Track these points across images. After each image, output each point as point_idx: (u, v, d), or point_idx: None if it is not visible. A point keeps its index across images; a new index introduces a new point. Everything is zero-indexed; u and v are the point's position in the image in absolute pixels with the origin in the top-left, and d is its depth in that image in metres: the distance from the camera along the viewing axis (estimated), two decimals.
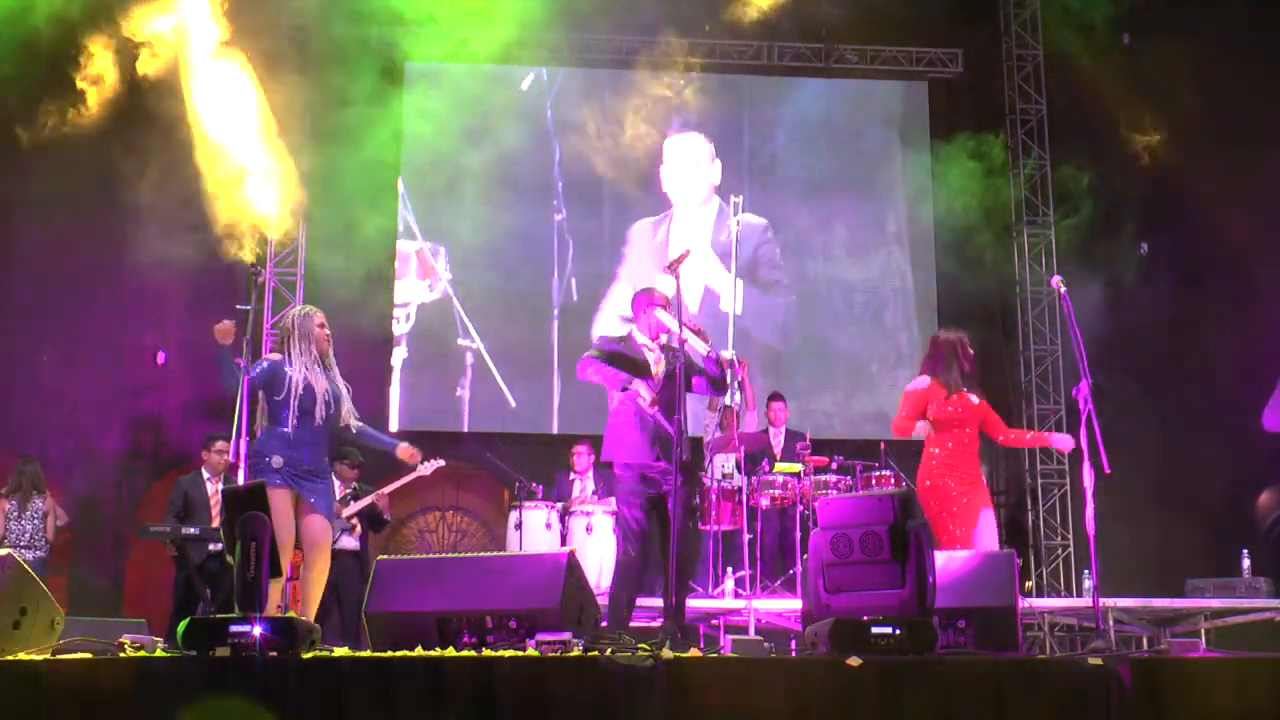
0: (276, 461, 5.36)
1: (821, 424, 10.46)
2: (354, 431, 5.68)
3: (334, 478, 6.68)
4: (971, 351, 6.25)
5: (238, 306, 9.79)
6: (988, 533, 6.04)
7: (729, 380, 6.42)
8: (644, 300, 5.97)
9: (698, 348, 5.76)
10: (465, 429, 8.06)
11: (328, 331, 5.57)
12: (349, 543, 8.18)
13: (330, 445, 5.71)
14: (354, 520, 8.21)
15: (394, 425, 9.63)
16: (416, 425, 9.27)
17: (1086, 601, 7.41)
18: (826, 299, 10.97)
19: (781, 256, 8.90)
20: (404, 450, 5.85)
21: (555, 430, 8.32)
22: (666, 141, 8.25)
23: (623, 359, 5.80)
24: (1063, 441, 6.42)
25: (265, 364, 5.49)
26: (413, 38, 9.82)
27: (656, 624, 6.83)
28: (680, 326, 5.66)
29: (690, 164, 8.31)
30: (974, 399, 6.21)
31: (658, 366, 5.85)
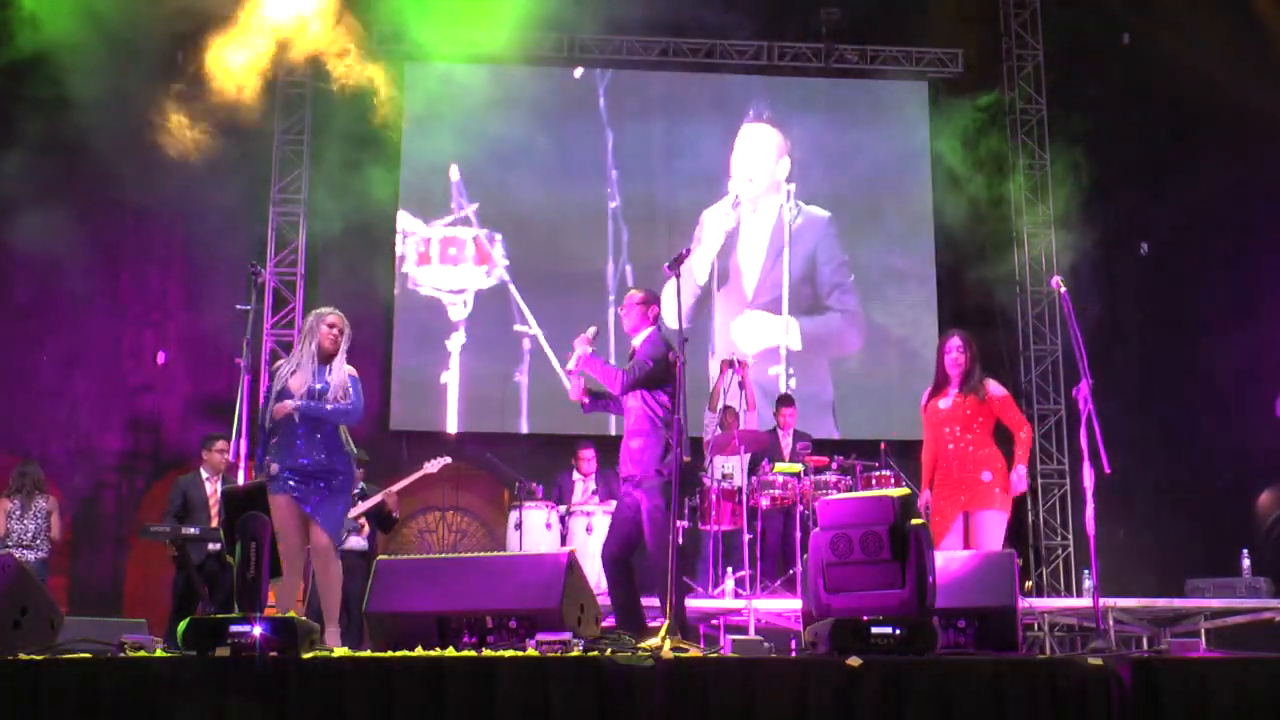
0: (273, 468, 5.38)
1: (832, 420, 10.43)
2: None
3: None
4: (946, 354, 6.08)
5: (238, 306, 9.81)
6: (977, 536, 5.95)
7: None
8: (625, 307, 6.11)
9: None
10: (524, 413, 7.86)
11: (335, 331, 5.57)
12: (357, 543, 8.18)
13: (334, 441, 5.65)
14: (361, 520, 8.20)
15: (452, 411, 8.95)
16: (474, 412, 8.79)
17: (1086, 601, 7.41)
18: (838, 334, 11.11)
19: (841, 249, 8.73)
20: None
21: (612, 427, 8.34)
22: (740, 130, 8.29)
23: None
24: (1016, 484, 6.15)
25: (277, 389, 5.52)
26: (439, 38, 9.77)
27: (657, 624, 6.83)
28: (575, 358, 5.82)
29: (758, 152, 8.26)
30: (946, 402, 6.07)
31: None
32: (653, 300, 6.02)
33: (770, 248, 9.01)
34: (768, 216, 8.54)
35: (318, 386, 5.50)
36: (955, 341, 6.12)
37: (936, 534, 5.84)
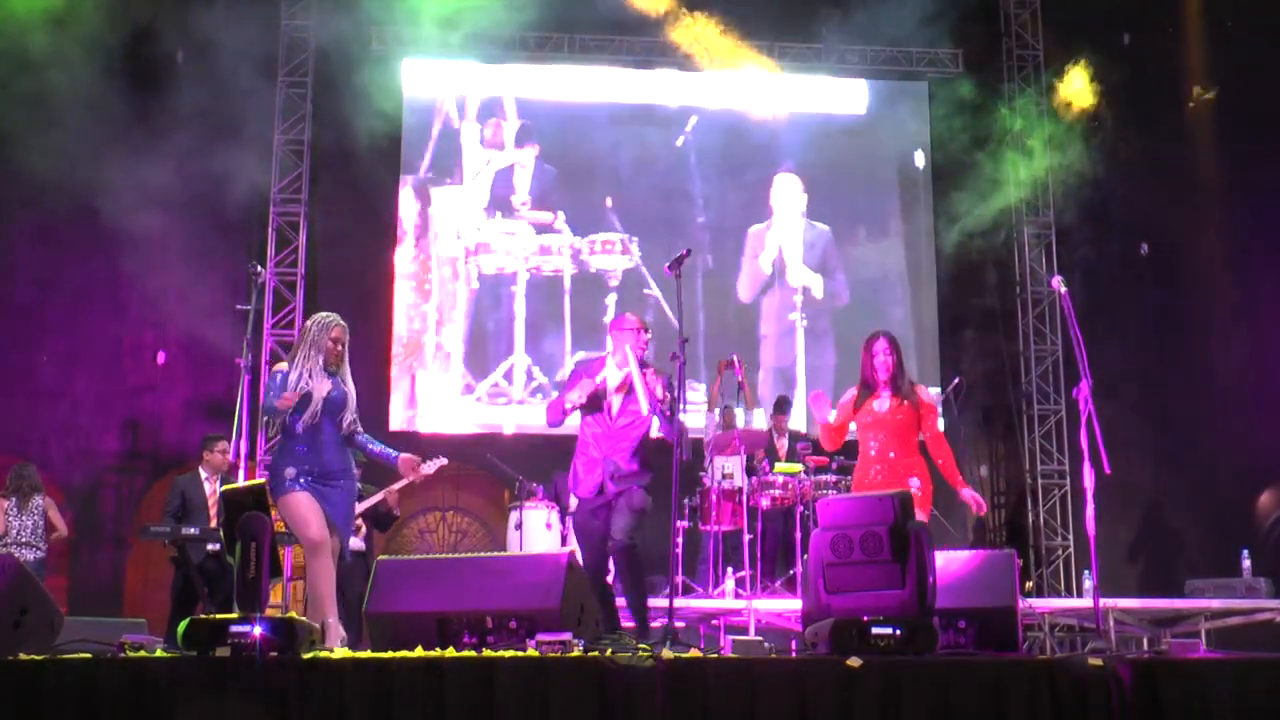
0: (289, 472, 5.34)
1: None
2: (353, 440, 5.68)
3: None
4: (873, 356, 5.96)
5: (238, 306, 9.82)
6: None
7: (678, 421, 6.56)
8: (617, 326, 6.07)
9: (640, 399, 5.82)
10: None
11: (340, 347, 5.54)
12: (354, 543, 8.17)
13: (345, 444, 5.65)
14: (358, 521, 8.21)
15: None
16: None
17: (1086, 602, 7.41)
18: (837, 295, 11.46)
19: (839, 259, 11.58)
20: (405, 461, 5.83)
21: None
22: (775, 176, 11.54)
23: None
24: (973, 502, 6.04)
25: (276, 381, 5.45)
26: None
27: (657, 624, 6.83)
28: (636, 369, 5.82)
29: (789, 192, 11.58)
30: (881, 405, 5.93)
31: (619, 393, 5.90)
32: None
33: (797, 253, 11.59)
34: (795, 233, 11.58)
35: (335, 394, 5.49)
36: (883, 343, 5.95)
37: None
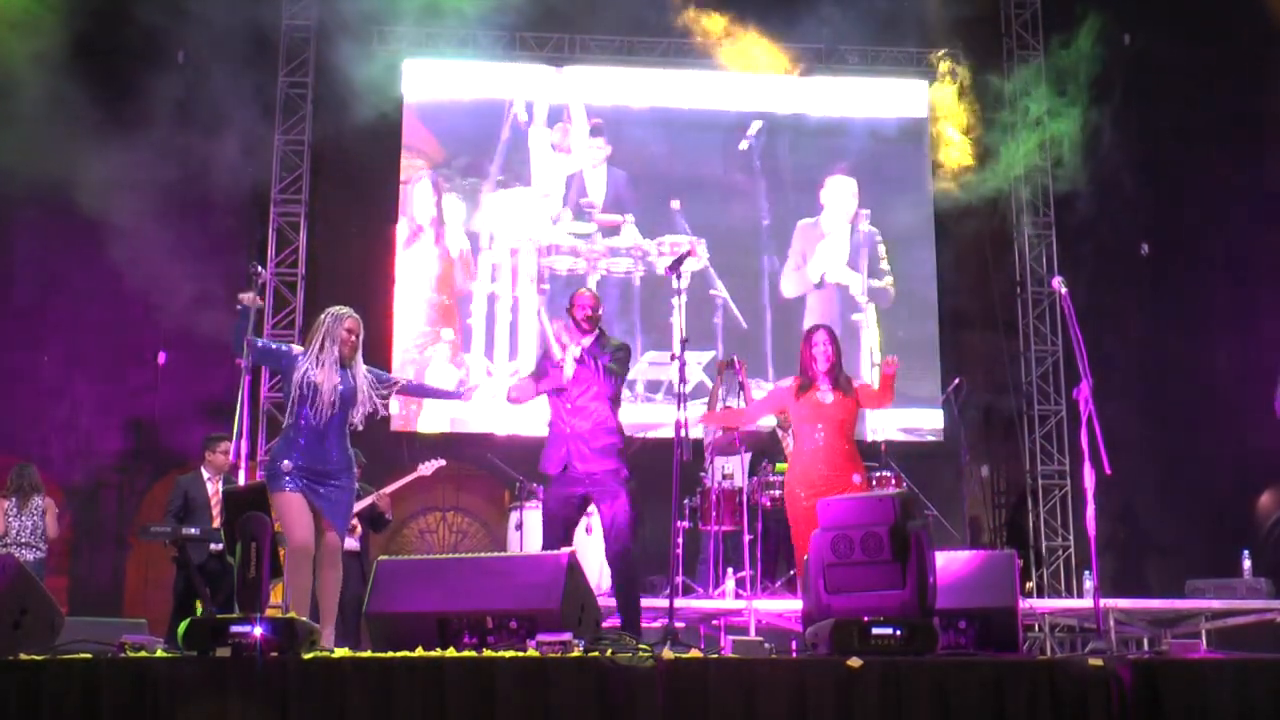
0: (285, 465, 5.32)
1: None
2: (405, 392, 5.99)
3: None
4: (813, 347, 6.09)
5: (238, 306, 9.81)
6: None
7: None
8: (569, 301, 6.34)
9: (553, 351, 6.10)
10: (719, 336, 11.36)
11: (355, 338, 5.56)
12: (349, 543, 8.17)
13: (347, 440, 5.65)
14: (354, 521, 8.20)
15: (677, 335, 10.96)
16: (692, 334, 10.96)
17: (1087, 602, 7.41)
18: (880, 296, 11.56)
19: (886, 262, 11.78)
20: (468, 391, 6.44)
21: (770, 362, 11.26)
22: (828, 179, 11.73)
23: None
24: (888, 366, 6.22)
25: (276, 347, 5.57)
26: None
27: (657, 624, 6.84)
28: (546, 323, 6.26)
29: (842, 194, 11.76)
30: (825, 397, 6.06)
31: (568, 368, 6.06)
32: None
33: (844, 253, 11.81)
34: (843, 234, 11.81)
35: (344, 389, 5.49)
36: (823, 334, 6.14)
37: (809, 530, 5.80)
